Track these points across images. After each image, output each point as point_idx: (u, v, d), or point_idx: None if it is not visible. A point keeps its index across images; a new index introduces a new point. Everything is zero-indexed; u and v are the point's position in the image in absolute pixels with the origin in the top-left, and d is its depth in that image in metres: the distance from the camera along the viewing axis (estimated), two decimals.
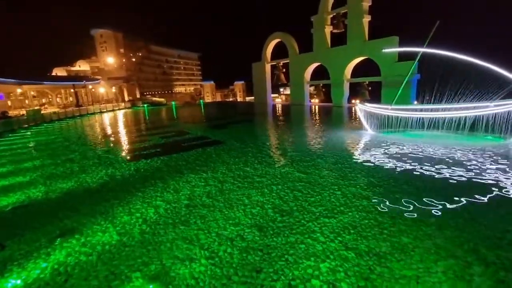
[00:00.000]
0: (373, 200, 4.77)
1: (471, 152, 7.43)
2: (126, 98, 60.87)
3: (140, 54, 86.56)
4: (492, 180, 5.46)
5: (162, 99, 53.29)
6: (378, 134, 10.24)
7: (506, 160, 6.61)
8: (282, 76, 28.49)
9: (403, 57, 17.73)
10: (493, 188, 5.06)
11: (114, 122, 21.68)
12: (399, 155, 7.45)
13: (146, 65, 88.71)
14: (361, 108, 10.73)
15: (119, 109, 37.91)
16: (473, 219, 4.01)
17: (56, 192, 6.09)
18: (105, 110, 34.55)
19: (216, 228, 4.15)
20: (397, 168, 6.43)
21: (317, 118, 17.70)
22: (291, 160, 7.48)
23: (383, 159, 7.19)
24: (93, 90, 53.93)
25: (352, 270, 3.11)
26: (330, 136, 10.63)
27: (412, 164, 6.65)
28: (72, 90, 44.53)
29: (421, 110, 9.48)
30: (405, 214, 4.25)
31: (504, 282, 2.81)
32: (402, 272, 3.03)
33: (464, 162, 6.59)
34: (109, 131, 16.43)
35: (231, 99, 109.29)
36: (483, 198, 4.70)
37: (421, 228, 3.87)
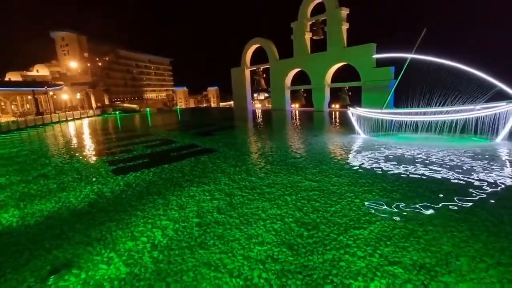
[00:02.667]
0: (395, 207, 4.65)
1: (472, 153, 7.75)
2: (94, 105, 57.01)
3: (107, 59, 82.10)
4: (486, 177, 5.65)
5: (135, 106, 50.78)
6: (371, 138, 10.42)
7: (492, 161, 6.96)
8: (262, 81, 28.49)
9: (380, 63, 18.55)
10: (492, 185, 5.21)
11: (85, 131, 19.97)
12: (401, 159, 7.54)
13: (114, 70, 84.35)
14: (353, 112, 10.87)
15: (88, 117, 35.30)
16: (495, 221, 4.02)
17: (35, 216, 5.19)
18: (71, 118, 31.89)
19: (241, 250, 3.71)
20: (404, 171, 6.45)
21: (303, 123, 17.78)
22: (295, 168, 7.22)
23: (386, 162, 7.22)
24: (54, 96, 49.78)
25: None
26: (325, 141, 10.60)
27: (418, 167, 6.73)
28: (30, 97, 40.67)
29: (410, 113, 9.79)
30: (431, 220, 4.16)
31: None
32: (457, 286, 2.86)
33: (467, 166, 6.81)
34: (82, 141, 15.00)
35: (204, 105, 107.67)
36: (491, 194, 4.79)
37: (453, 233, 3.78)
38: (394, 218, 4.30)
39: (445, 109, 9.04)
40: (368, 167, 6.96)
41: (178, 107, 63.68)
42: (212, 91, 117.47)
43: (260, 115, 24.90)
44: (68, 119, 31.41)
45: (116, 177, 7.35)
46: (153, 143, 12.38)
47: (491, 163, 6.78)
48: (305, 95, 25.07)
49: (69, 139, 15.93)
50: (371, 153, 8.30)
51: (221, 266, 3.40)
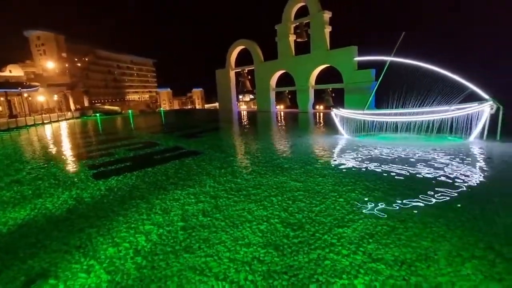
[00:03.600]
0: (377, 205, 4.78)
1: (446, 151, 8.11)
2: (73, 107, 54.82)
3: (86, 59, 79.30)
4: (460, 173, 5.95)
5: (116, 108, 49.28)
6: (354, 138, 10.68)
7: (466, 158, 7.34)
8: (248, 83, 28.54)
9: (361, 65, 19.10)
10: (466, 181, 5.50)
11: (64, 134, 19.14)
12: (383, 158, 7.78)
13: (94, 71, 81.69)
14: (336, 113, 11.10)
15: (66, 120, 33.89)
16: (470, 216, 4.23)
17: (8, 225, 4.91)
18: (48, 121, 30.47)
19: (227, 252, 3.68)
20: (386, 170, 6.65)
21: (288, 124, 17.95)
22: (280, 168, 7.27)
23: (369, 162, 7.42)
24: (29, 98, 47.44)
25: (388, 284, 2.96)
26: (310, 142, 10.75)
27: (398, 166, 6.96)
28: (2, 99, 38.53)
29: (390, 114, 10.14)
30: (412, 216, 4.31)
31: None
32: (436, 280, 2.97)
33: (443, 163, 7.13)
34: (60, 145, 14.37)
35: (189, 107, 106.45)
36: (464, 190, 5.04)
37: (432, 229, 3.94)
38: (377, 215, 4.42)
39: (422, 110, 9.44)
40: (351, 166, 7.13)
41: (161, 109, 62.47)
42: (197, 92, 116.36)
43: (245, 116, 24.90)
44: (45, 122, 29.97)
45: (96, 182, 7.09)
46: (135, 146, 12.07)
47: (465, 161, 7.14)
48: (289, 96, 25.36)
49: (45, 143, 15.20)
50: (354, 153, 8.51)
51: (207, 269, 3.36)
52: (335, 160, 7.91)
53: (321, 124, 16.42)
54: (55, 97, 54.31)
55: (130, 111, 43.08)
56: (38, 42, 68.01)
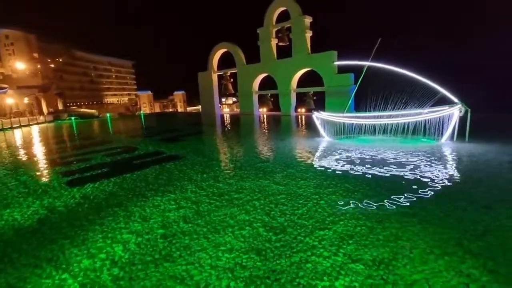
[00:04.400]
0: (357, 206, 4.91)
1: (420, 153, 8.49)
2: (45, 110, 52.02)
3: (60, 60, 75.70)
4: (433, 174, 6.27)
5: (93, 111, 47.32)
6: (334, 141, 10.94)
7: (438, 159, 7.75)
8: (230, 86, 28.46)
9: (341, 69, 19.68)
10: (437, 181, 5.80)
11: (35, 140, 18.08)
12: (363, 160, 8.01)
13: (69, 73, 78.19)
14: (317, 116, 11.33)
15: (38, 124, 32.05)
16: (442, 214, 4.45)
17: None
18: (18, 126, 28.68)
19: (208, 259, 3.62)
20: (365, 172, 6.86)
21: (271, 127, 18.07)
22: (263, 172, 7.28)
23: (348, 164, 7.61)
24: None
25: (367, 284, 3.04)
26: (292, 145, 10.88)
27: (377, 167, 7.20)
28: None
29: (369, 117, 10.49)
30: (389, 217, 4.47)
31: (495, 272, 3.11)
32: (411, 278, 3.09)
33: (418, 164, 7.46)
34: (31, 151, 13.54)
35: (171, 110, 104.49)
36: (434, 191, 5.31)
37: (407, 228, 4.10)
38: (357, 217, 4.54)
39: (398, 113, 9.86)
40: (332, 169, 7.28)
41: (142, 112, 60.76)
42: (178, 95, 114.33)
43: (228, 120, 24.79)
44: (14, 126, 28.19)
45: (71, 189, 6.74)
46: (113, 151, 11.63)
47: (438, 161, 7.53)
48: (272, 99, 25.58)
49: (14, 149, 14.27)
50: (335, 156, 8.71)
51: (188, 278, 3.28)
52: (317, 163, 8.05)
53: (303, 127, 16.68)
54: (26, 100, 51.25)
55: (108, 114, 41.53)
56: (7, 42, 64.06)
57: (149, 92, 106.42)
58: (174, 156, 9.92)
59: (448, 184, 5.87)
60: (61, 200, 6.04)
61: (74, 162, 9.79)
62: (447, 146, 9.25)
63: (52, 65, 71.31)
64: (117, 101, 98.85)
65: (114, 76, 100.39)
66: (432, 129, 9.64)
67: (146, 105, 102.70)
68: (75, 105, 70.04)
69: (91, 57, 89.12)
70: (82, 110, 52.96)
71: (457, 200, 5.01)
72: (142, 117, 37.59)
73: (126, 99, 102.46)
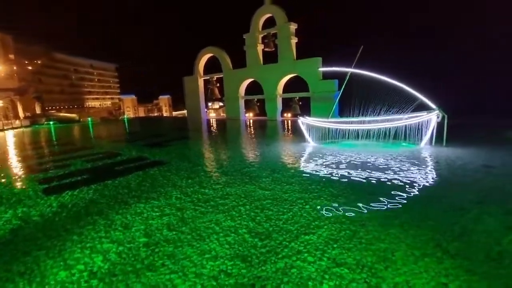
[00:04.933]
0: (340, 210, 4.99)
1: (401, 157, 8.77)
2: (22, 115, 49.68)
3: (39, 62, 72.85)
4: (413, 177, 6.50)
5: (73, 115, 45.64)
6: (319, 146, 11.11)
7: (417, 163, 8.06)
8: (216, 90, 28.38)
9: (326, 76, 20.14)
10: (417, 184, 6.01)
11: (9, 145, 17.16)
12: (346, 164, 8.17)
13: (48, 75, 75.28)
14: (303, 121, 11.48)
15: (13, 128, 30.52)
16: (421, 216, 4.61)
17: None
18: None
19: (193, 267, 3.55)
20: (348, 176, 6.99)
21: (257, 132, 18.11)
22: (249, 177, 7.27)
23: (333, 169, 7.74)
24: None
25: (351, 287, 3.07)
26: (278, 150, 10.94)
27: (360, 171, 7.37)
28: None
29: (353, 122, 10.77)
30: (371, 220, 4.57)
31: (471, 271, 3.23)
32: (393, 280, 3.16)
33: (399, 168, 7.69)
34: (5, 156, 12.84)
35: (156, 114, 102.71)
36: (417, 193, 5.51)
37: (389, 231, 4.21)
38: (340, 221, 4.60)
39: (380, 118, 10.19)
40: (317, 173, 7.38)
41: (125, 116, 59.25)
42: (164, 99, 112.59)
43: (214, 124, 24.65)
44: None
45: (47, 198, 6.43)
46: (94, 156, 11.24)
47: (418, 165, 7.80)
48: (258, 104, 25.71)
49: None
50: (320, 160, 8.84)
51: (171, 287, 3.20)
52: (302, 168, 8.13)
53: (289, 132, 16.85)
54: (0, 103, 48.68)
55: (89, 118, 40.22)
56: None
57: (133, 96, 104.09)
58: (158, 161, 9.72)
59: (427, 187, 6.09)
60: (36, 209, 5.75)
61: (52, 169, 9.37)
62: (426, 150, 9.62)
63: (30, 67, 68.45)
64: (100, 105, 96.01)
65: (96, 79, 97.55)
66: (412, 134, 10.02)
67: (130, 109, 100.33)
68: (55, 109, 67.38)
69: (72, 60, 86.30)
70: (61, 114, 50.97)
71: (435, 203, 5.20)
72: (126, 121, 36.66)
73: (109, 103, 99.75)
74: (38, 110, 58.30)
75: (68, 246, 4.20)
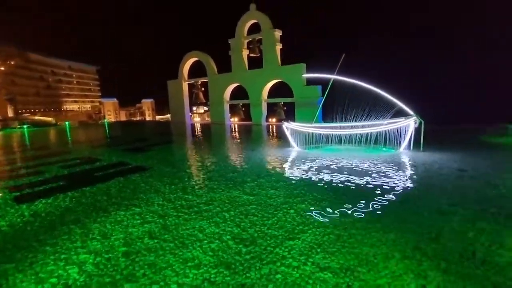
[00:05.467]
0: (324, 214, 5.05)
1: (381, 161, 9.04)
2: None
3: (12, 63, 69.40)
4: (393, 181, 6.72)
5: (49, 119, 43.68)
6: (303, 151, 11.25)
7: (397, 167, 8.36)
8: (201, 95, 28.18)
9: (310, 82, 20.57)
10: (397, 188, 6.22)
11: None
12: (329, 168, 8.31)
13: (22, 77, 71.75)
14: (287, 126, 11.61)
15: None
16: (401, 219, 4.75)
17: None
18: None
19: (175, 277, 3.44)
20: (332, 180, 7.11)
21: (242, 136, 18.09)
22: (233, 182, 7.21)
23: (316, 173, 7.85)
24: None
25: None
26: (263, 155, 10.97)
27: (343, 175, 7.51)
28: None
29: (335, 127, 11.03)
30: (354, 223, 4.65)
31: (447, 271, 3.36)
32: (375, 283, 3.22)
33: (379, 172, 7.92)
34: None
35: (138, 118, 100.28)
36: (394, 197, 5.69)
37: (371, 234, 4.30)
38: (324, 225, 4.65)
39: (361, 123, 10.51)
40: (301, 178, 7.45)
41: (106, 120, 57.32)
42: (147, 103, 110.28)
43: (199, 129, 24.38)
44: None
45: (19, 206, 6.05)
46: (71, 162, 10.75)
47: (397, 169, 8.08)
48: (243, 109, 25.78)
49: None
50: (304, 165, 8.94)
51: None
52: (287, 172, 8.19)
53: (274, 137, 16.96)
54: None
55: (67, 122, 38.55)
56: None
57: (115, 100, 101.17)
58: (140, 167, 9.44)
59: (407, 190, 6.30)
60: (5, 219, 5.38)
61: (24, 176, 8.86)
62: (404, 155, 9.99)
63: (2, 68, 64.96)
64: (78, 108, 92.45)
65: (75, 81, 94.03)
66: (392, 139, 10.39)
67: (111, 113, 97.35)
68: (29, 112, 64.09)
69: (49, 61, 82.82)
70: (36, 117, 48.61)
71: (414, 205, 5.39)
72: (106, 125, 35.46)
73: (88, 106, 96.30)
74: (10, 113, 55.27)
75: (41, 258, 3.96)
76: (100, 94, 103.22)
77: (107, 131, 27.04)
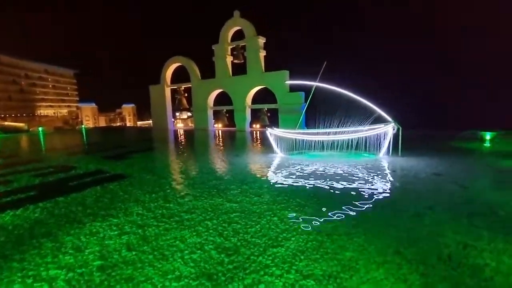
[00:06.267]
0: (308, 221, 5.06)
1: (362, 167, 9.25)
2: None
3: None
4: (373, 186, 6.90)
5: (21, 124, 41.29)
6: (287, 157, 11.33)
7: (377, 172, 8.59)
8: (184, 100, 27.79)
9: (293, 88, 20.92)
10: (377, 193, 6.38)
11: None
12: (312, 174, 8.40)
13: None
14: (271, 133, 11.66)
15: None
16: (382, 223, 4.86)
17: None
18: None
19: None
20: (315, 186, 7.17)
21: (226, 143, 17.96)
22: (216, 190, 7.09)
23: (301, 179, 7.90)
24: None
25: None
26: (247, 161, 10.92)
27: (325, 181, 7.60)
28: None
29: (318, 134, 11.22)
30: (337, 229, 4.69)
31: (425, 275, 3.44)
32: (359, 287, 3.24)
33: (361, 177, 8.10)
34: None
35: (119, 124, 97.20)
36: (380, 202, 5.83)
37: (353, 239, 4.35)
38: (307, 232, 4.65)
39: (342, 129, 10.77)
40: (285, 184, 7.47)
41: (83, 126, 55.03)
42: (127, 108, 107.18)
43: (182, 135, 23.96)
44: None
45: None
46: (44, 171, 10.15)
47: (377, 174, 8.30)
48: (227, 115, 25.68)
49: None
50: (287, 171, 8.98)
51: None
52: (270, 179, 8.18)
53: (258, 143, 16.98)
54: None
55: (40, 128, 36.60)
56: None
57: (93, 105, 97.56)
58: (119, 175, 9.08)
59: (386, 195, 6.48)
60: None
61: None
62: (384, 160, 10.32)
63: None
64: (54, 113, 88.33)
65: (51, 85, 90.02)
66: (372, 145, 10.71)
67: (90, 118, 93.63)
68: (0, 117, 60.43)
69: (22, 64, 78.89)
70: (6, 123, 45.81)
71: (394, 210, 5.53)
72: (84, 131, 34.04)
73: (65, 111, 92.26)
74: None
75: (6, 275, 3.65)
76: (77, 98, 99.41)
77: (84, 137, 25.92)
